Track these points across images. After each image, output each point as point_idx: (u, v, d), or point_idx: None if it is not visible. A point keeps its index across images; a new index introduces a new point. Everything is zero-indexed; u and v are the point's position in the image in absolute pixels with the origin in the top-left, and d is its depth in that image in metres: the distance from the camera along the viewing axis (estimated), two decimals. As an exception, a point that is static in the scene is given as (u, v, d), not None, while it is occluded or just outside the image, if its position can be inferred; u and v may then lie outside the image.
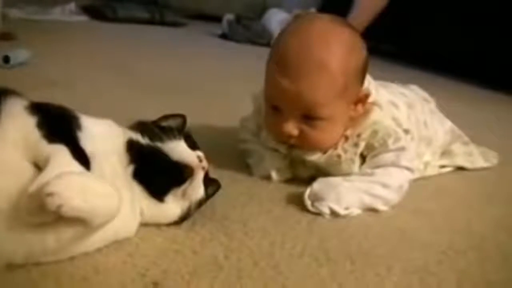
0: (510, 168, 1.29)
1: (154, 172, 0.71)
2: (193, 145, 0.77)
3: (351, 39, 0.91)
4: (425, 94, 1.24)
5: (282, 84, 0.89)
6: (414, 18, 2.76)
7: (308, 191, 0.89)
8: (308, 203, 0.88)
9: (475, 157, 1.24)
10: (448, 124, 1.22)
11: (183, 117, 0.85)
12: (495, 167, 1.27)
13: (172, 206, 0.73)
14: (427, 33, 2.74)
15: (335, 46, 0.89)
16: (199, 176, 0.73)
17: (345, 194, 0.88)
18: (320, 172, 0.98)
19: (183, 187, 0.72)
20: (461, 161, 1.22)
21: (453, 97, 2.03)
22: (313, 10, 2.90)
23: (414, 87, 1.23)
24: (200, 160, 0.73)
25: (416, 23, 2.76)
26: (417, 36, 2.81)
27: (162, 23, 3.26)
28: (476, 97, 2.35)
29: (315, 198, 0.88)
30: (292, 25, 0.96)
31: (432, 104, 1.24)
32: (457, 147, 1.22)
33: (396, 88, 1.17)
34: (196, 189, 0.74)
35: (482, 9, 2.51)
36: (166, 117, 0.84)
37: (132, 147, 0.71)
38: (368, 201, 0.90)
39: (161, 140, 0.73)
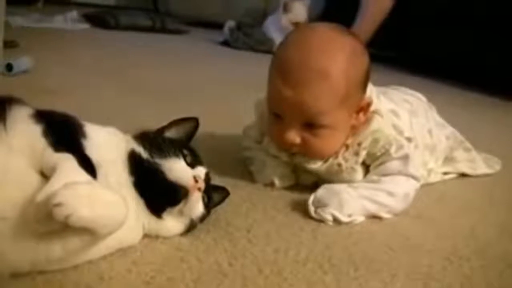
0: (512, 174, 1.29)
1: (151, 189, 0.70)
2: (194, 161, 0.76)
3: (353, 47, 0.91)
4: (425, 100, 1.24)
5: (284, 93, 0.89)
6: (413, 24, 2.76)
7: (312, 197, 0.89)
8: (311, 209, 0.88)
9: (477, 163, 1.24)
10: (450, 129, 1.22)
11: (196, 120, 0.84)
12: (498, 173, 1.27)
13: (172, 222, 0.73)
14: (427, 38, 2.75)
15: (336, 54, 0.89)
16: (194, 196, 0.72)
17: (349, 201, 0.88)
18: (323, 179, 0.98)
19: (178, 207, 0.71)
20: (463, 168, 1.21)
21: (452, 102, 2.03)
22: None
23: (418, 94, 1.24)
24: (196, 181, 0.72)
25: (415, 29, 2.77)
26: (416, 41, 2.81)
27: (164, 30, 3.28)
28: (475, 102, 2.36)
29: (319, 204, 0.88)
30: (293, 33, 0.96)
31: (434, 109, 1.24)
32: (459, 154, 1.22)
33: (399, 94, 1.17)
34: (193, 208, 0.73)
35: (482, 15, 2.52)
36: (178, 121, 0.83)
37: (133, 159, 0.71)
38: (372, 208, 0.90)
39: (159, 157, 0.72)
